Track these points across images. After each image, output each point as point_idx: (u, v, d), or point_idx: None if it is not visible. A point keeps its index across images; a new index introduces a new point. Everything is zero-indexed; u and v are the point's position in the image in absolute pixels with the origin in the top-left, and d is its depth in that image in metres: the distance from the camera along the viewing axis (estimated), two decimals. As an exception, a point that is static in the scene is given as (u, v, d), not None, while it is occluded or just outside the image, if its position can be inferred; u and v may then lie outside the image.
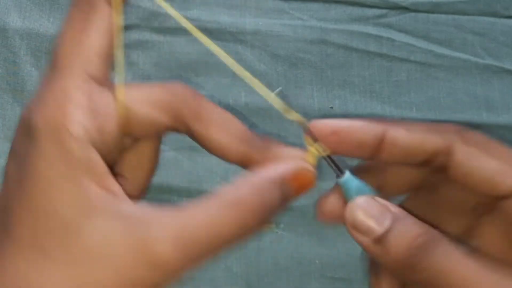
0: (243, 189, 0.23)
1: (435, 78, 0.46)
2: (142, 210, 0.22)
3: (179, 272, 0.22)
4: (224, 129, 0.25)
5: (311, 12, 0.46)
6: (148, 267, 0.21)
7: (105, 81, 0.25)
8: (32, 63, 0.43)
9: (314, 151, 0.25)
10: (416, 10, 0.47)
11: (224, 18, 0.46)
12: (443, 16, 0.47)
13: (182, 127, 0.25)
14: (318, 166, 0.26)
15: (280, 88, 0.27)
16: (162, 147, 0.43)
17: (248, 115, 0.44)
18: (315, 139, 0.26)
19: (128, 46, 0.45)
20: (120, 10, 0.25)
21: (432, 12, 0.47)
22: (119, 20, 0.25)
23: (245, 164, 0.25)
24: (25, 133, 0.23)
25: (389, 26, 0.46)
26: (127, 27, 0.45)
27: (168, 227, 0.22)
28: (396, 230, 0.23)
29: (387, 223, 0.23)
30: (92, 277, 0.21)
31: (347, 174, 0.25)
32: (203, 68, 0.45)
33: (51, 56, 0.25)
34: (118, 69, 0.26)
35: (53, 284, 0.21)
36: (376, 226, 0.23)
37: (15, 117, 0.44)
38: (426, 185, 0.26)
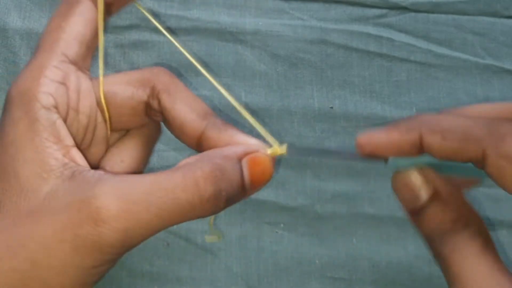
0: (194, 158, 0.24)
1: (435, 78, 0.46)
2: (96, 174, 0.23)
3: (124, 232, 0.22)
4: (187, 104, 0.26)
5: (311, 12, 0.46)
6: (89, 223, 0.21)
7: (85, 68, 0.27)
8: (32, 63, 0.43)
9: (275, 148, 0.26)
10: (416, 10, 0.47)
11: (224, 18, 0.46)
12: (443, 16, 0.47)
13: (155, 102, 0.26)
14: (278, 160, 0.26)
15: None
16: (162, 147, 0.43)
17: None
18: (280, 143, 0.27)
19: (128, 46, 0.45)
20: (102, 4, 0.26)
21: (432, 12, 0.47)
22: (101, 12, 0.26)
23: (203, 144, 0.26)
24: (4, 104, 0.24)
25: (389, 26, 0.46)
26: (127, 27, 0.45)
27: (112, 185, 0.22)
28: (429, 210, 0.24)
29: (423, 199, 0.24)
30: (35, 233, 0.22)
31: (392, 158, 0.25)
32: (203, 68, 0.45)
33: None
34: (100, 57, 0.27)
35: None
36: (415, 199, 0.24)
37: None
38: None
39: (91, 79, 0.27)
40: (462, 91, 0.46)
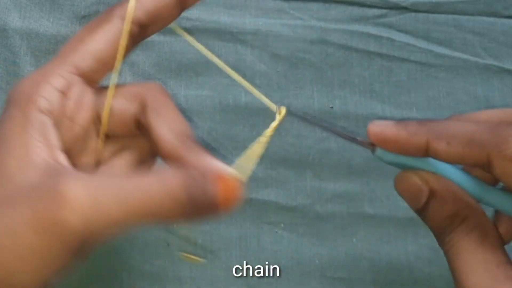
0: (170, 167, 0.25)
1: (435, 78, 0.46)
2: (72, 170, 0.25)
3: (87, 220, 0.22)
4: (169, 123, 0.27)
5: (311, 12, 0.46)
6: (54, 205, 0.22)
7: (94, 84, 0.28)
8: (32, 63, 0.43)
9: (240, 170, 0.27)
10: (416, 10, 0.47)
11: (224, 18, 0.46)
12: (443, 16, 0.47)
13: (143, 117, 0.27)
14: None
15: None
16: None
17: (248, 115, 0.44)
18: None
19: (128, 46, 0.45)
20: (128, 26, 0.27)
21: (432, 12, 0.47)
22: (126, 34, 0.27)
23: (177, 164, 0.27)
24: (5, 101, 0.26)
25: (389, 26, 0.46)
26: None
27: (84, 176, 0.23)
28: (429, 208, 0.25)
29: (424, 199, 0.25)
30: (4, 217, 0.23)
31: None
32: (203, 68, 0.45)
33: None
34: (114, 73, 0.28)
35: None
36: (418, 199, 0.25)
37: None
38: None
39: (98, 90, 0.28)
40: (462, 91, 0.46)
